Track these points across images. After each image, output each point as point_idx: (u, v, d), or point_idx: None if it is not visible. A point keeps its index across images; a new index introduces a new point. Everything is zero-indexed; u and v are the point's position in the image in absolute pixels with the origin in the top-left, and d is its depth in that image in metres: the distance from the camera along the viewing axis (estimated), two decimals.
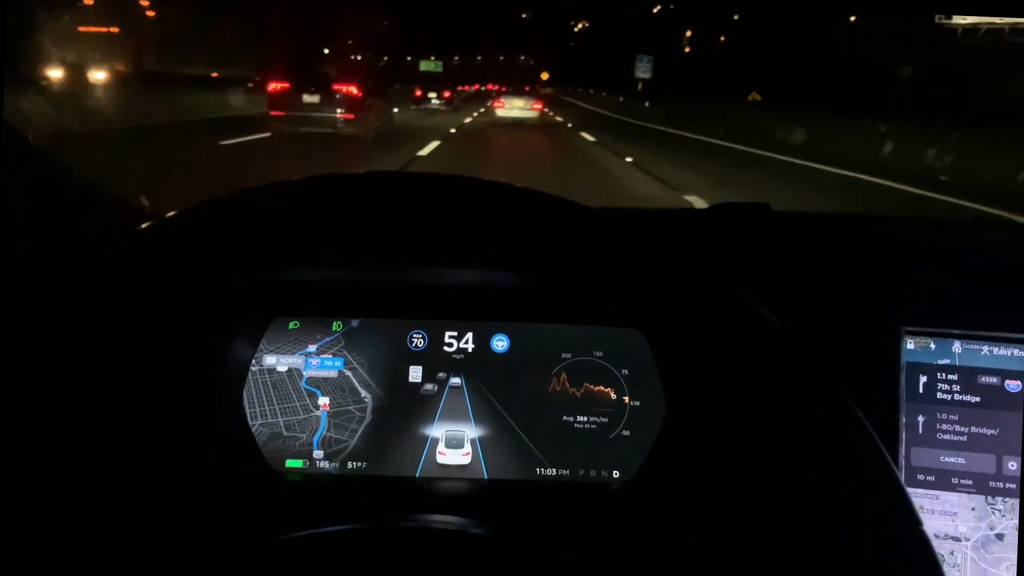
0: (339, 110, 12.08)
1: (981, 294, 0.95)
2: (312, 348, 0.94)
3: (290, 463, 0.92)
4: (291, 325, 0.94)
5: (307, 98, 12.08)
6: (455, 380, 0.94)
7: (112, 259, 0.81)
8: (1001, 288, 0.95)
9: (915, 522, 0.65)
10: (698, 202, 7.77)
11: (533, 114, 20.82)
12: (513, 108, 20.82)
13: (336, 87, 12.23)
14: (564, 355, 0.94)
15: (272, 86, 12.67)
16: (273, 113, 12.20)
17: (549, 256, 0.83)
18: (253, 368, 0.93)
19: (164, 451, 0.80)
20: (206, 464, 0.85)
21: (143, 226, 0.92)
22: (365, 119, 12.50)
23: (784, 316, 0.94)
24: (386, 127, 14.14)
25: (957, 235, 1.10)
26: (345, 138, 11.91)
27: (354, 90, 12.32)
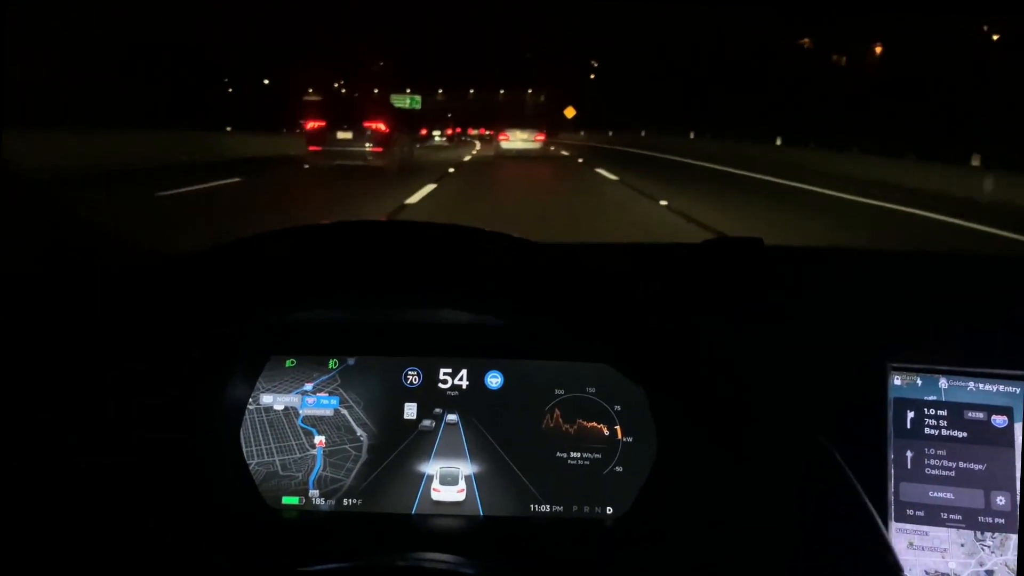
0: (368, 144, 13.70)
1: (966, 330, 0.96)
2: (308, 387, 0.95)
3: (286, 500, 0.93)
4: (288, 363, 0.95)
5: (341, 135, 13.78)
6: (450, 417, 0.95)
7: (113, 298, 0.82)
8: (986, 325, 0.97)
9: (894, 567, 0.67)
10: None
11: (536, 145, 22.43)
12: (517, 140, 22.34)
13: (367, 124, 13.82)
14: (557, 391, 0.95)
15: (310, 124, 14.56)
16: (311, 148, 14.02)
17: (532, 300, 0.85)
18: (250, 407, 0.94)
19: (160, 490, 0.81)
20: (202, 502, 0.86)
21: (141, 267, 0.94)
22: (391, 152, 14.08)
23: (774, 352, 0.96)
24: (408, 160, 15.72)
25: (942, 271, 1.12)
26: (373, 169, 13.41)
27: (382, 127, 14.00)
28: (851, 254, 1.34)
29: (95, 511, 0.75)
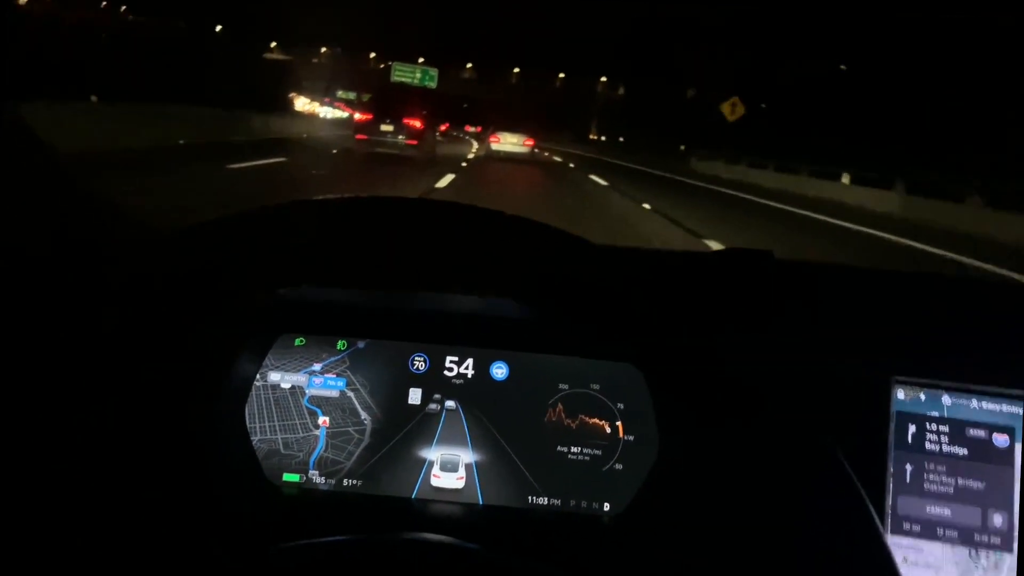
0: (404, 137, 16.35)
1: (971, 348, 0.97)
2: (317, 367, 0.96)
3: (287, 477, 0.94)
4: (297, 342, 0.96)
5: (384, 127, 16.47)
6: (452, 404, 0.96)
7: (124, 270, 0.83)
8: (991, 343, 0.97)
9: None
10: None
11: (525, 149, 24.06)
12: (507, 143, 24.01)
13: (405, 120, 16.49)
14: (561, 386, 0.96)
15: (358, 116, 17.68)
16: (357, 136, 16.83)
17: (548, 288, 0.86)
18: (257, 383, 0.95)
19: (161, 460, 0.82)
20: (202, 474, 0.87)
21: (154, 239, 0.95)
22: (423, 145, 16.90)
23: (781, 361, 0.97)
24: (433, 152, 18.60)
25: (950, 290, 1.13)
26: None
27: (417, 123, 16.66)
28: (859, 272, 1.34)
29: (97, 478, 0.76)
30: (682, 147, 34.10)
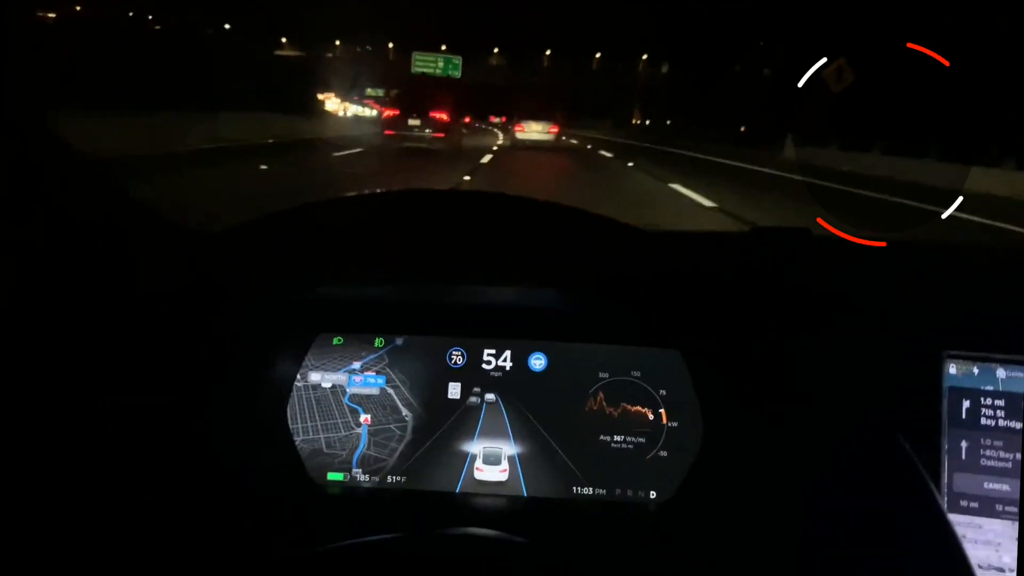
0: (430, 131, 16.78)
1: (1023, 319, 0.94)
2: (356, 365, 0.96)
3: (331, 476, 0.94)
4: (335, 341, 0.96)
5: (411, 122, 16.94)
6: (492, 397, 0.95)
7: (162, 269, 0.84)
8: None
9: (963, 562, 0.65)
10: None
11: (550, 137, 24.37)
12: (532, 132, 24.17)
13: (432, 114, 16.91)
14: (602, 375, 0.95)
15: (386, 113, 18.46)
16: (386, 131, 17.51)
17: (592, 275, 0.85)
18: (298, 384, 0.95)
19: (208, 464, 0.82)
20: (248, 476, 0.87)
21: (191, 238, 0.95)
22: (450, 138, 17.28)
23: (828, 341, 0.94)
24: (459, 144, 18.74)
25: (998, 260, 1.09)
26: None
27: (444, 117, 17.10)
28: (903, 246, 1.31)
29: (145, 483, 0.77)
30: (742, 128, 29.26)
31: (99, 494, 0.74)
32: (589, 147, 27.39)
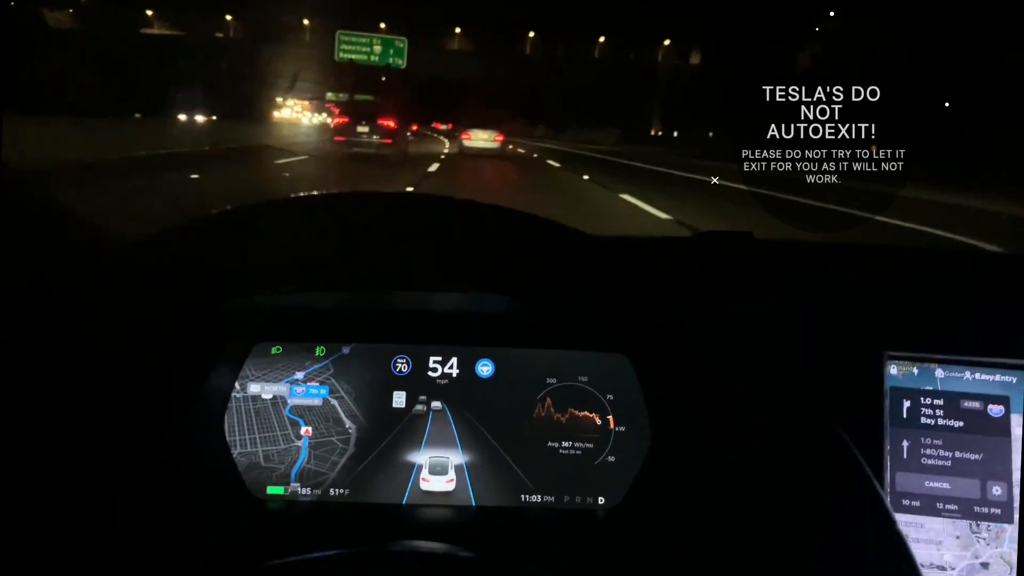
0: (378, 137, 17.05)
1: (961, 321, 0.96)
2: (299, 375, 0.93)
3: (271, 490, 0.91)
4: (274, 350, 0.93)
5: (359, 128, 17.17)
6: (438, 405, 0.93)
7: (90, 279, 0.80)
8: (980, 315, 0.96)
9: (908, 560, 0.65)
10: None
11: (495, 145, 23.44)
12: (479, 140, 23.18)
13: (379, 121, 17.23)
14: (549, 380, 0.94)
15: (335, 120, 18.94)
16: (336, 138, 17.56)
17: (536, 280, 0.84)
18: (237, 395, 0.92)
19: (138, 479, 0.79)
20: (184, 490, 0.84)
21: (120, 246, 0.91)
22: (398, 144, 17.66)
23: (768, 344, 0.95)
24: (406, 150, 18.92)
25: (937, 265, 1.12)
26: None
27: (391, 123, 17.44)
28: (845, 248, 1.33)
29: (79, 496, 0.73)
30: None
31: (31, 511, 0.70)
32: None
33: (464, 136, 23.59)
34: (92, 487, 0.75)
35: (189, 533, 0.81)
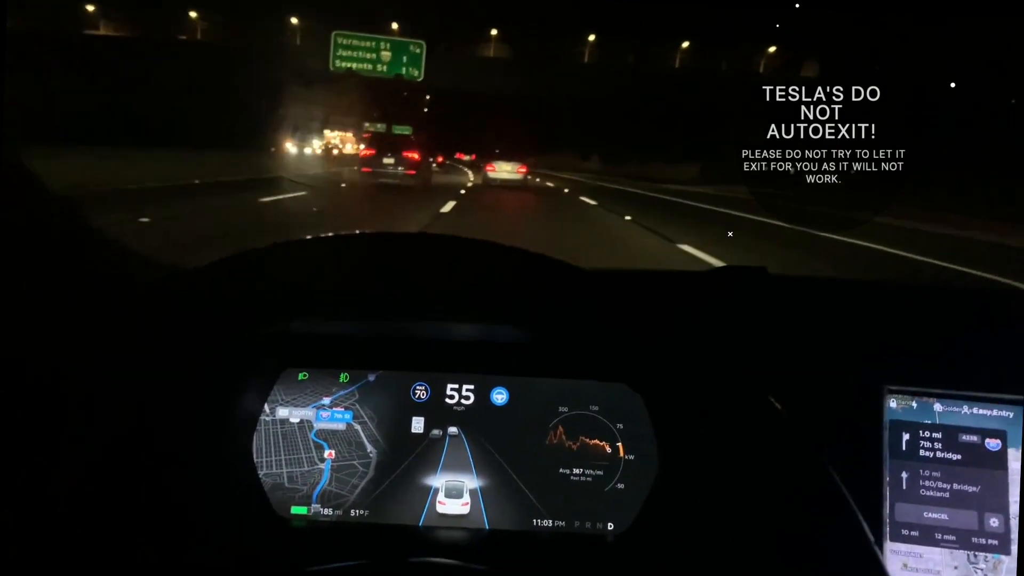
0: (403, 168, 17.43)
1: (960, 356, 0.99)
2: (326, 400, 0.98)
3: (295, 510, 0.95)
4: (300, 376, 0.98)
5: (385, 160, 17.32)
6: (454, 431, 0.97)
7: (126, 311, 0.85)
8: (978, 350, 0.99)
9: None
10: None
11: (519, 176, 23.67)
12: (502, 171, 23.46)
13: (404, 154, 17.67)
14: (561, 409, 0.98)
15: (363, 152, 19.13)
16: (363, 169, 18.00)
17: (548, 312, 0.88)
18: (265, 418, 0.97)
19: (168, 497, 0.83)
20: (211, 508, 0.88)
21: (158, 278, 0.97)
22: (421, 175, 18.17)
23: (775, 376, 0.99)
24: (429, 181, 19.42)
25: (938, 302, 1.15)
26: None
27: (415, 156, 17.90)
28: (850, 284, 1.37)
29: (109, 515, 0.78)
30: None
31: (64, 527, 0.75)
32: None
33: (488, 168, 23.23)
34: (126, 504, 0.79)
35: (216, 549, 0.86)
